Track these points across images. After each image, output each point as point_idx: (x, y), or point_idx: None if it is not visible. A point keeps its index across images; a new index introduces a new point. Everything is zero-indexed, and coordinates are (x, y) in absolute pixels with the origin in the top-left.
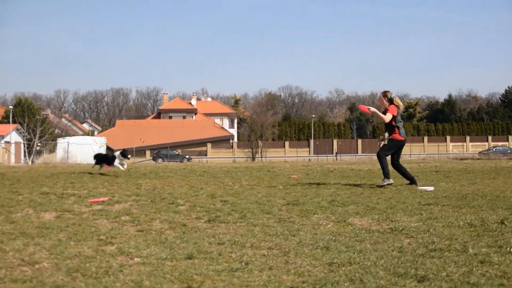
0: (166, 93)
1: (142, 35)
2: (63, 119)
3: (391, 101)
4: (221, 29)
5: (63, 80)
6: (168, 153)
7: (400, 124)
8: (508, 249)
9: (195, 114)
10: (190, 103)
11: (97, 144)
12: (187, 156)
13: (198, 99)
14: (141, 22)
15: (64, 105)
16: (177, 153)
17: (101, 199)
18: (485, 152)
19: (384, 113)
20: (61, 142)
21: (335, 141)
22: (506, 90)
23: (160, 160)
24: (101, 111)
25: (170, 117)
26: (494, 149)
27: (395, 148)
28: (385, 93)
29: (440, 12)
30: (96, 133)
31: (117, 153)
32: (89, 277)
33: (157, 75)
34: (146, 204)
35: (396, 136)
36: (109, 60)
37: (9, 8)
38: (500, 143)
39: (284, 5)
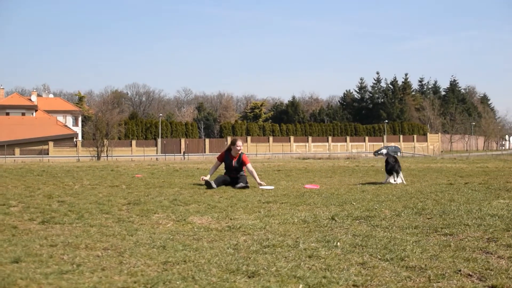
0: (3, 88)
1: None
2: None
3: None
4: (64, 23)
5: None
6: None
7: None
8: (334, 243)
9: (36, 111)
10: (30, 99)
11: None
12: None
13: (38, 95)
14: None
15: None
16: None
17: None
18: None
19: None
20: None
21: (183, 140)
22: (344, 93)
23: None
24: None
25: (7, 114)
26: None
27: None
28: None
29: (286, 15)
30: None
31: None
32: None
33: None
34: None
35: None
36: None
37: None
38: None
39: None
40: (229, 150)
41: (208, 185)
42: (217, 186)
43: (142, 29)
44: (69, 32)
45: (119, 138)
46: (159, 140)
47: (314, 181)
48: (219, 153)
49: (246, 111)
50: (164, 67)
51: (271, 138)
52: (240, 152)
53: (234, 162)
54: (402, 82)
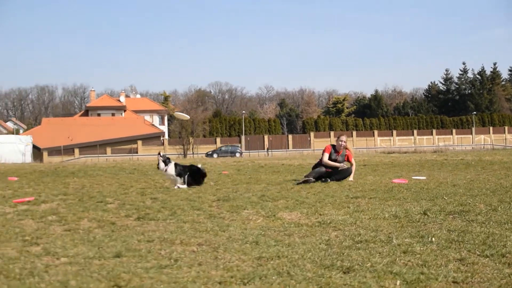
0: (94, 90)
1: (67, 30)
2: None
3: None
4: (148, 26)
5: None
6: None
7: None
8: (429, 239)
9: (124, 111)
10: (119, 100)
11: (22, 143)
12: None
13: (126, 96)
14: (66, 16)
15: None
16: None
17: (26, 199)
18: (210, 153)
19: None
20: None
21: (266, 137)
22: (429, 85)
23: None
24: (25, 109)
25: (99, 115)
26: (220, 149)
27: None
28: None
29: (365, 9)
30: (21, 131)
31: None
32: (13, 278)
33: (84, 71)
34: (74, 203)
35: None
36: (32, 56)
37: None
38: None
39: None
40: (334, 144)
41: (306, 182)
42: (315, 179)
43: (223, 27)
44: (153, 34)
45: (204, 136)
46: (242, 137)
47: (402, 175)
48: (325, 147)
49: (328, 106)
50: (246, 65)
51: (354, 133)
52: (343, 147)
53: (338, 156)
54: (491, 71)
